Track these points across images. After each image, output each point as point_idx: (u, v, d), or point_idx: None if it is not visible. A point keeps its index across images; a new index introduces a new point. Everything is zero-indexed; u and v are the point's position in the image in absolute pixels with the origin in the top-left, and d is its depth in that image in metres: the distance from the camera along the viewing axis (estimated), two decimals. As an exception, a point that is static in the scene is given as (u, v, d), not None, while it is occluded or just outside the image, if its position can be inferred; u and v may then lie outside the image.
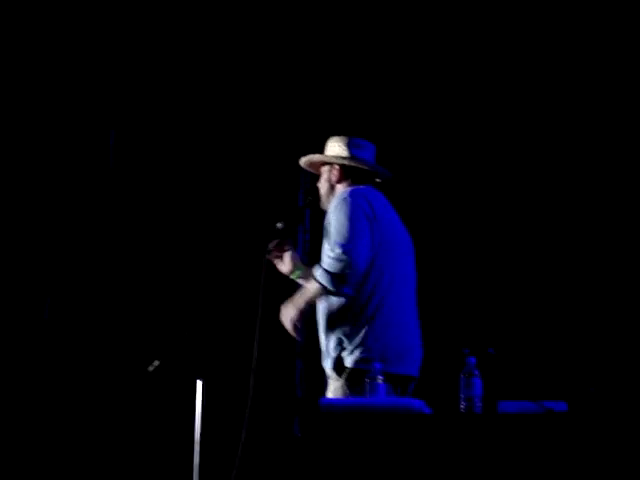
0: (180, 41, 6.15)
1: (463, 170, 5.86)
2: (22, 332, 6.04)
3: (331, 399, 3.88)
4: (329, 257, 4.09)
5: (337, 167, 4.38)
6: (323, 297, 4.21)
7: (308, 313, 4.16)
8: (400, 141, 5.74)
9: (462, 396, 3.60)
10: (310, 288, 4.15)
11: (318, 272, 4.10)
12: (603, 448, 3.36)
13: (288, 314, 4.16)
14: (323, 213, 4.35)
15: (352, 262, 4.06)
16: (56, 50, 6.16)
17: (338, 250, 4.07)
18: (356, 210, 4.17)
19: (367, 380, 3.75)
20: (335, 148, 4.40)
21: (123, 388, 5.93)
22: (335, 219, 4.18)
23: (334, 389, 4.17)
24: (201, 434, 4.43)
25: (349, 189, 4.31)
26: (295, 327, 4.15)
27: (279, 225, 4.38)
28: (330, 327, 4.22)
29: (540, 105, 5.78)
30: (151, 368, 4.43)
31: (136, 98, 6.20)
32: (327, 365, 4.23)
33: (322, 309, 4.27)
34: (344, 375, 4.15)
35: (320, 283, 4.09)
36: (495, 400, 3.57)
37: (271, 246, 4.30)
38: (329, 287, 4.08)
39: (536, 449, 3.38)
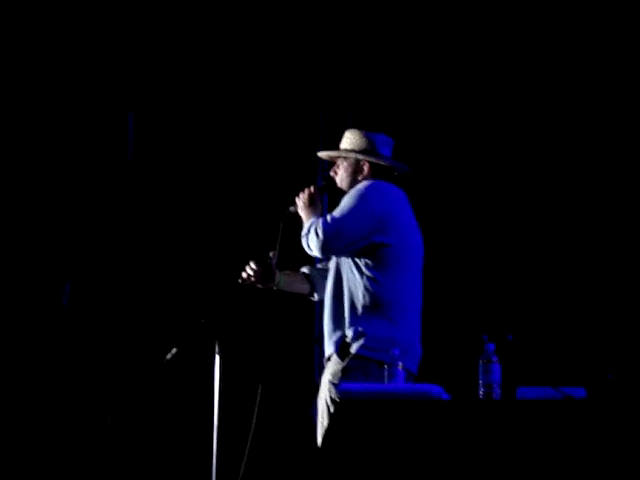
0: (199, 24, 6.15)
1: (480, 156, 5.85)
2: (41, 319, 6.06)
3: (351, 385, 3.88)
4: (321, 227, 4.16)
5: (365, 163, 4.38)
6: (334, 282, 4.25)
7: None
8: (408, 133, 5.73)
9: (481, 382, 3.60)
10: (306, 224, 4.28)
11: (312, 227, 4.21)
12: (622, 434, 3.35)
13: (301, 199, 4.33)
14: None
15: (327, 241, 4.16)
16: (72, 36, 6.16)
17: (326, 226, 4.17)
18: (367, 203, 4.20)
19: (385, 367, 3.76)
20: (358, 141, 4.40)
21: (141, 375, 5.95)
22: (343, 201, 4.26)
23: (334, 372, 4.18)
24: (219, 420, 4.44)
25: (371, 182, 4.32)
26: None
27: (292, 209, 4.40)
28: (339, 311, 4.24)
29: (553, 99, 5.77)
30: (169, 356, 4.43)
31: (154, 84, 6.20)
32: (330, 348, 4.24)
33: (332, 293, 4.29)
34: (346, 360, 4.17)
35: (306, 232, 4.23)
36: (514, 386, 3.56)
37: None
38: (304, 241, 4.24)
39: (555, 435, 3.37)
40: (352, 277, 4.25)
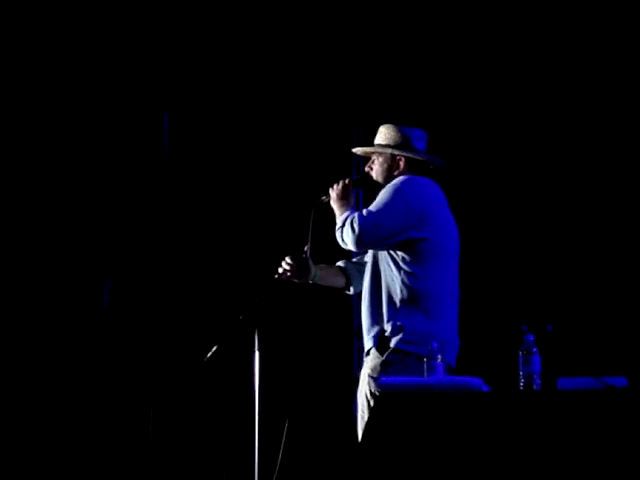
0: (234, 24, 6.17)
1: (517, 146, 5.83)
2: (82, 319, 6.11)
3: (390, 378, 3.89)
4: (357, 221, 4.17)
5: (400, 158, 4.38)
6: (372, 276, 4.26)
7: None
8: (442, 126, 5.72)
9: (521, 373, 3.59)
10: (339, 216, 4.29)
11: (348, 221, 4.22)
12: (665, 423, 3.34)
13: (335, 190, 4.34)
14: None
15: (363, 235, 4.15)
16: (110, 37, 6.21)
17: (362, 220, 4.17)
18: (403, 197, 4.20)
19: (424, 360, 3.76)
20: (393, 136, 4.39)
21: (182, 373, 5.99)
22: (379, 196, 4.26)
23: (373, 366, 4.19)
24: (259, 416, 4.46)
25: (406, 177, 4.32)
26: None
27: (324, 198, 4.41)
28: (378, 306, 4.25)
29: (588, 87, 5.74)
30: (209, 354, 4.46)
31: (189, 84, 6.23)
32: (369, 342, 4.26)
33: (370, 288, 4.30)
34: (385, 354, 4.17)
35: (341, 225, 4.23)
36: (554, 377, 3.55)
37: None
38: (338, 234, 4.25)
39: (596, 426, 3.36)
40: (389, 272, 4.25)
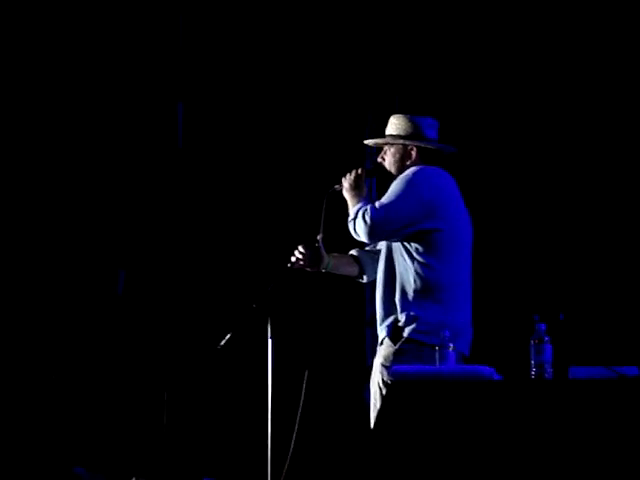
0: (247, 13, 6.17)
1: (529, 134, 5.82)
2: (97, 308, 6.14)
3: (402, 367, 3.91)
4: (369, 212, 4.18)
5: (412, 148, 4.38)
6: (386, 266, 4.27)
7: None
8: (455, 114, 5.72)
9: (533, 362, 3.60)
10: (351, 207, 4.30)
11: (360, 213, 4.22)
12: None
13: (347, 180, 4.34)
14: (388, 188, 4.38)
15: (375, 227, 4.18)
16: (123, 27, 6.22)
17: (374, 212, 4.18)
18: (415, 189, 4.21)
19: (437, 348, 3.78)
20: (404, 126, 4.39)
21: (196, 361, 6.02)
22: (392, 188, 4.27)
23: (386, 355, 4.21)
24: (272, 404, 4.48)
25: (418, 168, 4.32)
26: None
27: (337, 187, 4.42)
28: (391, 296, 4.26)
29: (607, 77, 5.72)
30: (223, 342, 4.48)
31: (203, 74, 6.24)
32: (382, 332, 4.27)
33: (383, 278, 4.32)
34: (399, 343, 4.19)
35: (354, 217, 4.24)
36: (566, 366, 3.56)
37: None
38: (351, 226, 4.26)
39: (608, 415, 3.37)
40: (403, 262, 4.26)
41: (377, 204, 4.22)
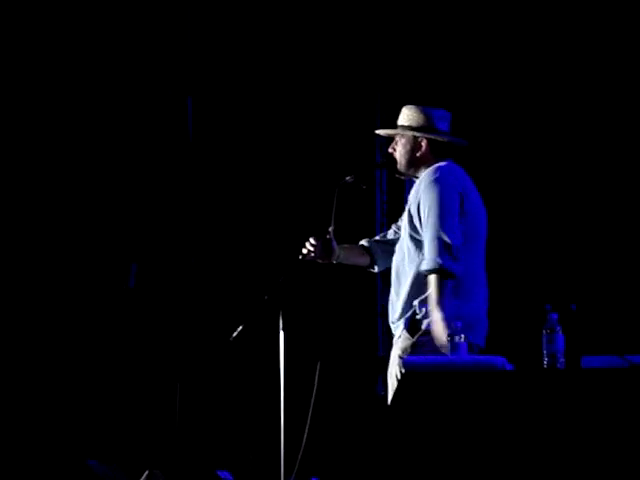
0: (255, 6, 6.17)
1: (541, 125, 5.82)
2: (108, 301, 6.16)
3: (414, 357, 3.91)
4: (435, 247, 4.13)
5: (423, 140, 4.35)
6: (401, 259, 4.27)
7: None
8: (467, 106, 5.71)
9: (545, 352, 3.59)
10: (433, 295, 4.17)
11: (432, 277, 4.15)
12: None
13: (439, 331, 4.15)
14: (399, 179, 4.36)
15: (452, 243, 4.13)
16: (132, 21, 6.23)
17: (440, 239, 4.13)
18: (448, 190, 4.18)
19: (448, 339, 3.77)
20: (415, 118, 4.36)
21: (208, 354, 6.03)
22: (429, 202, 4.20)
23: (403, 348, 4.20)
24: (285, 396, 4.49)
25: (436, 166, 4.28)
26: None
27: (348, 178, 4.41)
28: (409, 288, 4.25)
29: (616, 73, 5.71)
30: (235, 334, 4.49)
31: (212, 67, 6.25)
32: (399, 324, 4.26)
33: (399, 270, 4.31)
34: (416, 336, 4.19)
35: (438, 285, 4.15)
36: (578, 355, 3.55)
37: None
38: (442, 278, 4.15)
39: (621, 404, 3.36)
40: (420, 255, 4.24)
41: (428, 235, 4.16)
